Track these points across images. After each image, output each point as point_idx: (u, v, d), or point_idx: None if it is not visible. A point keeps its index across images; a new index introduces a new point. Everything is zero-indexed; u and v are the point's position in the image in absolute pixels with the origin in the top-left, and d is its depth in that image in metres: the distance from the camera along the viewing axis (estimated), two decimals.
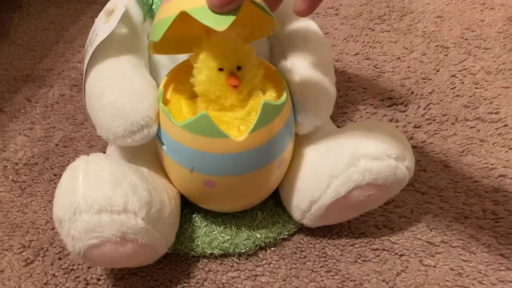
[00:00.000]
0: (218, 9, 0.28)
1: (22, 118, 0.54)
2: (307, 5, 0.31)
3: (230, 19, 0.28)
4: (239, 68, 0.33)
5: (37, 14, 0.73)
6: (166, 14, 0.30)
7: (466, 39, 0.63)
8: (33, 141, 0.51)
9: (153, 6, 0.38)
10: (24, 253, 0.41)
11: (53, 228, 0.43)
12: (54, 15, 0.73)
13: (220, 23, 0.28)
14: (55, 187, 0.46)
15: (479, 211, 0.43)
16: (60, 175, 0.47)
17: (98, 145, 0.51)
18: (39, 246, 0.41)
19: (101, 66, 0.36)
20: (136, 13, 0.39)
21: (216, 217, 0.41)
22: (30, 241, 0.42)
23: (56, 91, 0.58)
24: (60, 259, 0.40)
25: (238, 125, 0.33)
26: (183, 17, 0.30)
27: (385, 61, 0.61)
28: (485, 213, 0.42)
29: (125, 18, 0.37)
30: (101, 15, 0.37)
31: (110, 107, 0.34)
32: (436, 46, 0.62)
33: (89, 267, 0.40)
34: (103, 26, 0.36)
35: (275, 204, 0.42)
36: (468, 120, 0.52)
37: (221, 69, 0.32)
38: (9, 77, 0.60)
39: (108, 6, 0.37)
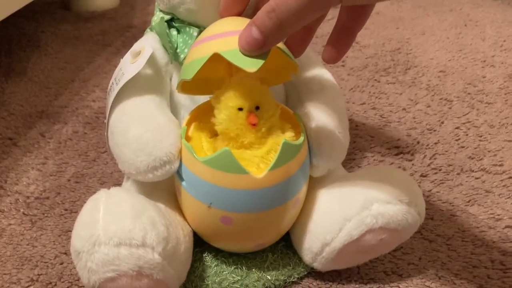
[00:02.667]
0: (250, 53, 0.30)
1: (35, 153, 0.55)
2: (338, 53, 0.33)
3: (260, 62, 0.30)
4: (257, 108, 0.34)
5: (54, 54, 0.75)
6: (198, 55, 0.32)
7: (469, 93, 0.65)
8: (45, 175, 0.52)
9: (178, 50, 0.40)
10: (32, 287, 0.40)
11: (62, 263, 0.42)
12: (70, 56, 0.75)
13: (251, 65, 0.30)
14: (65, 222, 0.47)
15: (487, 261, 0.43)
16: (71, 210, 0.48)
17: (109, 182, 0.52)
18: (48, 280, 0.41)
19: (126, 103, 0.37)
20: (160, 55, 0.41)
21: (227, 257, 0.41)
22: (38, 275, 0.41)
23: (69, 128, 0.59)
24: None
25: (258, 162, 0.34)
26: (211, 60, 0.31)
27: (391, 111, 0.63)
28: (493, 263, 0.43)
29: (151, 59, 0.39)
30: (128, 55, 0.39)
31: (134, 142, 0.35)
32: (440, 99, 0.64)
33: None
34: (129, 66, 0.37)
35: (285, 246, 0.42)
36: (473, 171, 0.53)
37: (240, 109, 0.34)
38: (24, 113, 0.62)
39: (135, 47, 0.39)
